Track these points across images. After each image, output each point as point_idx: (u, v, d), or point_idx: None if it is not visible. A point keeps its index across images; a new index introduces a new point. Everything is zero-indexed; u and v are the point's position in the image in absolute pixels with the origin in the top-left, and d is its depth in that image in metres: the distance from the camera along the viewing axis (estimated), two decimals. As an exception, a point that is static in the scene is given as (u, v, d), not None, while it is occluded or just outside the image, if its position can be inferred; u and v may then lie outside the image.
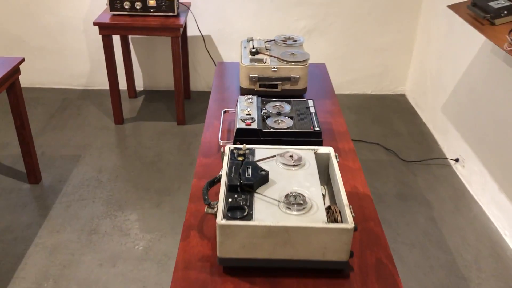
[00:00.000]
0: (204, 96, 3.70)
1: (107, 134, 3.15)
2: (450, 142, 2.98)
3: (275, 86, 1.95)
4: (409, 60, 3.70)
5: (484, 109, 2.56)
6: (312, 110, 1.70)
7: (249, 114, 1.63)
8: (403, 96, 3.80)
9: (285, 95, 1.94)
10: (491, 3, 1.98)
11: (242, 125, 1.57)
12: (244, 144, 1.35)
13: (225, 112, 1.82)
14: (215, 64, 3.64)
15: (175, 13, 3.01)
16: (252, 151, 1.34)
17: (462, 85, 2.82)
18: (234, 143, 1.58)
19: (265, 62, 1.95)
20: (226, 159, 1.29)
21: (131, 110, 3.46)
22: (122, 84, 3.73)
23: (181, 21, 2.97)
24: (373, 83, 3.80)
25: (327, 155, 1.36)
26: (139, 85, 3.77)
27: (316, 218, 1.11)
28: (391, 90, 3.83)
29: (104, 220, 2.38)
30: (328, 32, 3.58)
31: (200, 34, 3.51)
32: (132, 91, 3.62)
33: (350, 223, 1.07)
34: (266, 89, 1.95)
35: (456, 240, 2.31)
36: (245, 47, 2.09)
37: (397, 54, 3.68)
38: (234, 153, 1.32)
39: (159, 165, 2.83)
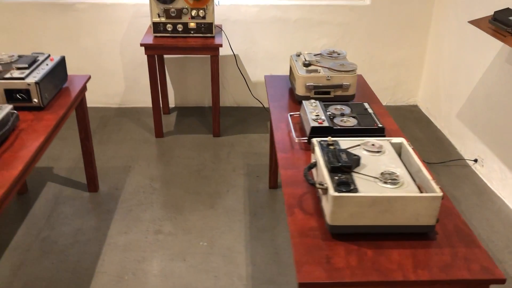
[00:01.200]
0: (232, 111, 3.95)
1: (150, 146, 3.37)
2: (467, 145, 3.27)
3: (328, 93, 2.23)
4: (421, 73, 4.02)
5: (500, 112, 2.86)
6: (370, 110, 1.97)
7: (318, 115, 1.89)
8: (415, 106, 4.11)
9: (337, 101, 2.21)
10: (511, 18, 2.29)
11: (315, 124, 1.83)
12: (329, 137, 1.61)
13: (291, 115, 2.08)
14: (246, 81, 3.93)
15: (213, 34, 3.29)
16: (336, 142, 1.60)
17: (477, 92, 3.12)
18: (309, 139, 1.84)
19: (319, 72, 2.22)
20: (318, 149, 1.55)
21: (168, 125, 3.70)
22: (155, 101, 4.00)
23: (219, 41, 3.24)
24: (388, 95, 4.10)
25: (399, 144, 1.62)
26: (171, 102, 4.01)
27: (410, 190, 1.36)
28: (404, 101, 4.14)
29: (165, 222, 2.59)
30: (346, 49, 3.89)
31: (231, 53, 3.79)
32: (166, 107, 3.86)
33: (438, 192, 1.33)
34: (320, 95, 2.23)
35: (485, 229, 2.57)
36: (296, 60, 2.37)
37: (409, 68, 4.00)
38: (323, 144, 1.58)
39: (204, 173, 3.06)
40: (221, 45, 3.21)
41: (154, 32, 3.25)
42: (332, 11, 3.77)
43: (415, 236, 1.38)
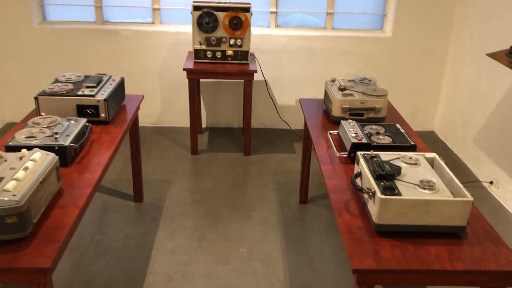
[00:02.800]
0: (260, 132, 4.21)
1: (186, 163, 3.63)
2: (483, 169, 3.49)
3: (362, 114, 2.49)
4: (437, 101, 4.28)
5: (515, 138, 3.10)
6: (402, 130, 2.22)
7: (356, 133, 2.15)
8: (432, 132, 4.36)
9: (370, 122, 2.46)
10: (526, 52, 2.56)
11: (355, 140, 2.08)
12: (371, 150, 1.86)
13: (330, 133, 2.33)
14: (275, 105, 4.20)
15: (248, 61, 3.58)
16: (378, 155, 1.84)
17: (493, 119, 3.37)
18: (349, 154, 2.09)
19: (354, 96, 2.48)
20: (362, 160, 1.79)
21: (201, 143, 3.96)
22: (186, 122, 4.27)
23: (254, 67, 3.53)
24: (406, 121, 4.35)
25: (432, 159, 1.86)
26: (203, 123, 4.29)
27: (445, 195, 1.60)
28: (421, 127, 4.39)
29: (207, 230, 2.82)
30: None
31: (261, 79, 4.08)
32: (199, 127, 4.14)
33: (469, 197, 1.56)
34: (354, 117, 2.48)
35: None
36: (332, 85, 2.64)
37: (427, 96, 4.26)
38: (366, 157, 1.82)
39: (238, 187, 3.30)
40: (256, 71, 3.49)
41: (195, 58, 3.55)
42: (356, 42, 4.07)
43: (448, 235, 1.61)
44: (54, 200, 1.74)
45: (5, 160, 1.68)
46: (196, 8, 3.42)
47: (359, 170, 1.80)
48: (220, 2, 3.47)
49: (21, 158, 1.68)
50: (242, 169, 3.58)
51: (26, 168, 1.61)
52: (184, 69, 3.47)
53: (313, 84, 4.19)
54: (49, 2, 4.03)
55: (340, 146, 2.23)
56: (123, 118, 2.51)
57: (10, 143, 1.93)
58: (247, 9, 3.44)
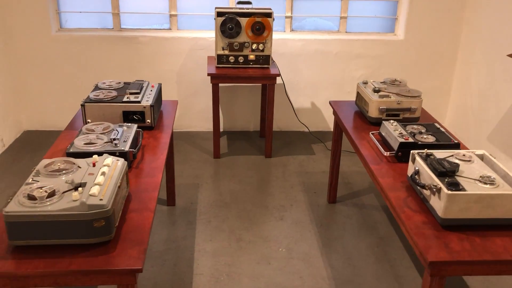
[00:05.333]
0: (277, 134, 4.28)
1: (210, 166, 3.68)
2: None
3: (398, 115, 2.57)
4: (448, 100, 4.41)
5: (532, 135, 3.23)
6: (442, 129, 2.31)
7: (401, 133, 2.23)
8: (442, 131, 4.48)
9: (405, 122, 2.55)
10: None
11: (402, 140, 2.16)
12: (426, 149, 1.94)
13: (372, 134, 2.41)
14: (293, 107, 4.28)
15: (269, 65, 3.65)
16: (432, 154, 1.93)
17: (508, 117, 3.50)
18: (397, 154, 2.17)
19: (390, 97, 2.57)
20: (419, 159, 1.87)
21: (221, 147, 4.01)
22: (205, 126, 4.32)
23: (275, 71, 3.60)
24: (417, 121, 4.47)
25: (481, 156, 1.96)
26: (220, 127, 4.34)
27: (506, 189, 1.69)
28: (432, 126, 4.51)
29: (243, 231, 2.88)
30: (381, 79, 4.27)
31: (278, 82, 4.15)
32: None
33: (530, 190, 1.66)
34: (390, 117, 2.57)
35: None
36: (365, 87, 2.72)
37: (438, 96, 4.39)
38: (421, 155, 1.90)
39: (266, 189, 3.37)
40: (278, 75, 3.57)
41: (217, 63, 3.61)
42: (369, 45, 4.18)
43: (510, 227, 1.70)
44: (125, 204, 1.78)
45: (79, 167, 1.71)
46: (219, 14, 3.47)
47: (417, 168, 1.88)
48: (243, 8, 3.54)
49: (94, 164, 1.72)
50: (266, 171, 3.64)
51: (103, 173, 1.65)
52: (208, 74, 3.52)
53: (328, 87, 4.28)
54: (66, 9, 4.04)
55: (385, 146, 2.31)
56: (165, 123, 2.56)
57: (71, 150, 1.96)
58: (269, 15, 3.51)
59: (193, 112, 4.27)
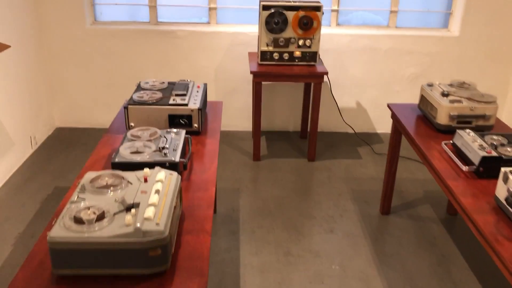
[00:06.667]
0: (318, 135, 4.03)
1: (251, 169, 3.47)
2: None
3: (470, 122, 2.31)
4: (504, 101, 4.09)
5: None
6: (527, 142, 2.04)
7: (481, 145, 1.97)
8: (497, 135, 4.17)
9: (477, 130, 2.29)
10: None
11: (484, 153, 1.91)
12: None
13: (445, 144, 2.16)
14: (338, 107, 4.03)
15: (316, 63, 3.41)
16: (526, 173, 1.67)
17: None
18: (478, 169, 1.91)
19: (462, 102, 2.31)
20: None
21: (261, 149, 3.79)
22: (243, 126, 4.11)
23: (322, 69, 3.36)
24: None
25: None
26: (258, 126, 4.13)
27: None
28: (485, 129, 4.20)
29: (291, 244, 2.66)
30: (432, 77, 3.99)
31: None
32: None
33: None
34: (461, 125, 2.31)
35: None
36: (431, 90, 2.46)
37: (494, 94, 4.06)
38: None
39: (312, 196, 3.14)
40: (326, 73, 3.32)
41: (261, 60, 3.38)
42: (421, 41, 3.89)
43: None
44: (179, 224, 1.58)
45: (129, 182, 1.52)
46: (265, 7, 3.24)
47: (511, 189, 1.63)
48: (290, 1, 3.30)
49: (146, 179, 1.52)
50: (310, 176, 3.41)
51: (157, 191, 1.45)
52: (251, 72, 3.29)
53: (375, 85, 4.01)
54: (102, 1, 3.87)
55: (459, 158, 2.06)
56: (212, 127, 2.35)
57: (117, 160, 1.77)
58: (318, 8, 3.26)
59: (231, 110, 4.06)
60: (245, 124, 4.11)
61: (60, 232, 1.29)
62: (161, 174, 1.55)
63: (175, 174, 1.59)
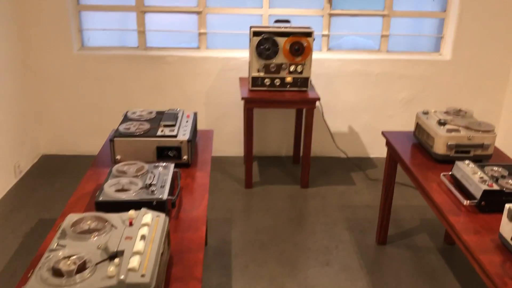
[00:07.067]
0: (311, 160, 3.96)
1: (243, 198, 3.37)
2: None
3: (468, 152, 2.25)
4: (498, 122, 4.05)
5: None
6: (528, 173, 1.98)
7: (482, 177, 1.90)
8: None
9: (475, 160, 2.23)
10: None
11: (485, 187, 1.83)
12: (524, 203, 1.61)
13: (444, 175, 2.09)
14: (330, 132, 3.97)
15: (307, 88, 3.35)
16: (531, 209, 1.60)
17: None
18: (479, 204, 1.84)
19: (460, 132, 2.25)
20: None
21: (253, 175, 3.70)
22: (234, 151, 4.03)
23: (315, 94, 3.30)
24: (463, 147, 4.13)
25: None
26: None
27: None
28: (479, 153, 4.16)
29: (287, 279, 2.55)
30: (425, 101, 3.95)
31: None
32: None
33: None
34: (459, 154, 2.24)
35: None
36: (427, 118, 2.40)
37: (486, 118, 4.04)
38: (519, 211, 1.58)
39: (306, 226, 3.04)
40: (318, 99, 3.26)
41: (252, 86, 3.31)
42: (412, 65, 3.86)
43: None
44: (167, 270, 1.47)
45: (113, 226, 1.42)
46: (255, 33, 3.19)
47: (517, 228, 1.55)
48: (281, 27, 3.25)
49: (131, 223, 1.42)
50: (303, 204, 3.32)
51: (143, 237, 1.35)
52: (243, 98, 3.23)
53: (367, 110, 3.96)
54: (90, 26, 3.80)
55: (459, 191, 1.99)
56: (202, 159, 2.26)
57: (101, 199, 1.67)
58: (309, 34, 3.21)
59: (221, 135, 3.98)
60: (236, 149, 4.03)
61: (37, 286, 1.19)
62: (148, 217, 1.45)
63: (162, 216, 1.50)
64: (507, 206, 1.62)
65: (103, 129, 3.91)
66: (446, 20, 3.86)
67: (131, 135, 2.11)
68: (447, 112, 2.48)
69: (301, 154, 3.98)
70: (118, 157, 2.10)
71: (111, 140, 2.09)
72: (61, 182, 3.54)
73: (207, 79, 3.82)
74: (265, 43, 3.21)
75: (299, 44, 3.22)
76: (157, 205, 1.68)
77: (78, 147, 3.98)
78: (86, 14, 3.77)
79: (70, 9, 3.62)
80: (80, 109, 3.87)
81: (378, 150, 4.08)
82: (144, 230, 1.38)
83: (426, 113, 2.48)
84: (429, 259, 2.75)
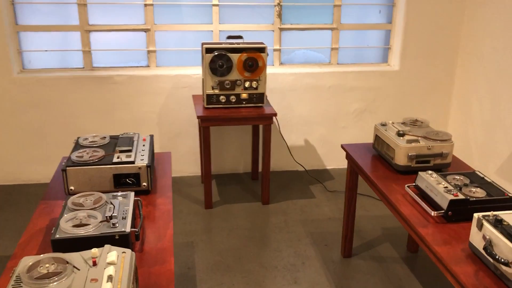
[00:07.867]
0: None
1: (203, 219, 3.27)
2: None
3: (428, 161, 2.28)
4: (446, 130, 4.17)
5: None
6: (487, 179, 2.03)
7: (446, 187, 1.92)
8: (441, 163, 4.26)
9: (435, 169, 2.26)
10: None
11: (451, 196, 1.85)
12: (492, 211, 1.64)
13: (408, 187, 2.10)
14: (288, 146, 3.95)
15: (263, 104, 3.32)
16: (498, 215, 1.62)
17: (520, 150, 3.30)
18: (446, 213, 1.86)
19: (419, 142, 2.28)
20: (489, 226, 1.56)
21: (212, 194, 3.61)
22: (191, 171, 3.92)
23: (272, 110, 3.27)
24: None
25: (553, 215, 1.67)
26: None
27: None
28: (430, 159, 4.28)
29: (255, 301, 2.48)
30: (376, 112, 4.03)
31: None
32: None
33: None
34: (420, 165, 2.27)
35: None
36: (386, 130, 2.43)
37: (435, 126, 4.17)
38: (490, 220, 1.59)
39: (271, 244, 2.98)
40: (275, 114, 3.23)
41: (206, 104, 3.24)
42: (364, 77, 3.93)
43: None
44: (136, 310, 1.36)
45: (77, 269, 1.29)
46: (208, 50, 3.12)
47: (488, 237, 1.56)
48: (233, 43, 3.21)
49: (95, 263, 1.30)
50: (266, 221, 3.26)
51: (110, 278, 1.24)
52: (198, 117, 3.14)
53: (321, 122, 3.98)
54: (30, 48, 3.58)
55: (424, 201, 2.00)
56: (163, 184, 2.15)
57: (58, 236, 1.53)
58: (262, 50, 3.19)
59: (177, 156, 3.86)
60: (192, 168, 3.92)
61: None
62: (113, 254, 1.34)
63: (128, 252, 1.39)
64: (475, 215, 1.64)
65: (49, 156, 3.69)
66: (393, 32, 3.98)
67: (85, 163, 1.98)
68: (404, 123, 2.52)
69: (259, 169, 3.94)
70: (71, 188, 1.96)
71: (63, 170, 1.94)
72: (6, 215, 3.28)
73: (158, 98, 3.70)
74: (218, 60, 3.15)
75: (253, 60, 3.19)
76: (120, 239, 1.56)
77: (23, 176, 3.73)
78: (26, 35, 3.57)
79: (7, 30, 3.41)
80: (23, 135, 3.63)
81: (334, 162, 4.11)
82: (110, 270, 1.27)
83: (384, 124, 2.50)
84: (394, 269, 2.77)
